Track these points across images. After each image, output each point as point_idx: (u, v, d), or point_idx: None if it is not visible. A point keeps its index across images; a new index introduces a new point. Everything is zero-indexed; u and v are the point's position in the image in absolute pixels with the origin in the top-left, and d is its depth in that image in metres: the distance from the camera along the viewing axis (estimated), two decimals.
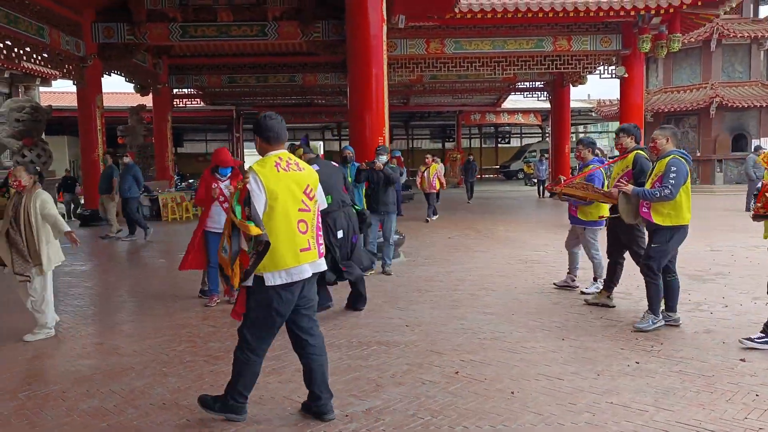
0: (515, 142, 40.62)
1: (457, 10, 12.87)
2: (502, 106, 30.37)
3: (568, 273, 6.69)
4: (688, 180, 4.86)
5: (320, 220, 3.46)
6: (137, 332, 5.28)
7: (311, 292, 3.40)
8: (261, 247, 3.08)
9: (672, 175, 4.72)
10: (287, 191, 3.19)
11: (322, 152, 43.63)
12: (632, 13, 13.60)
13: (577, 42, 15.04)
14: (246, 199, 3.11)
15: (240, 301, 3.36)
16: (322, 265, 3.39)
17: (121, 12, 14.13)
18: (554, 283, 6.75)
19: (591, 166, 6.36)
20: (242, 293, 3.33)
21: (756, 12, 22.41)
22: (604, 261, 6.10)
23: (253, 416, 3.45)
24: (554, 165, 20.90)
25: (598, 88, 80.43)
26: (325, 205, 3.64)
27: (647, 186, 4.96)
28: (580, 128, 38.83)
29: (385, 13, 8.99)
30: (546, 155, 23.82)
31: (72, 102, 17.73)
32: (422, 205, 13.70)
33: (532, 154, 31.84)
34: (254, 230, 3.05)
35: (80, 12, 13.62)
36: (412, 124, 37.96)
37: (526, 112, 31.39)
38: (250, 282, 3.23)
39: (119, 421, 3.45)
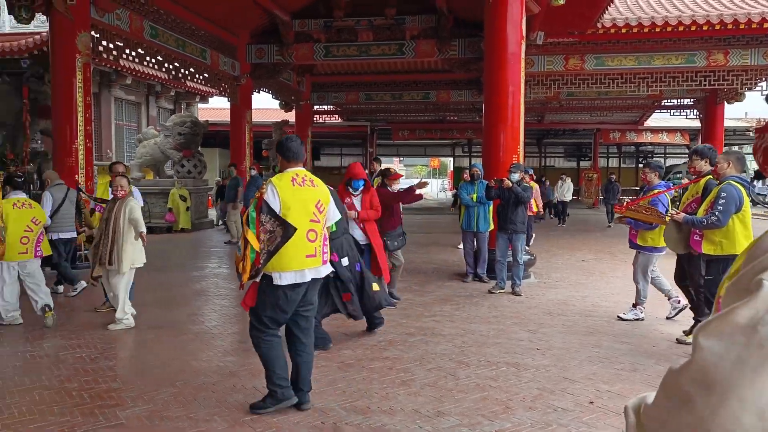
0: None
1: (599, 25, 12.41)
2: (645, 124, 28.64)
3: (669, 300, 6.26)
4: (745, 207, 4.64)
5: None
6: None
7: (313, 297, 3.81)
8: (272, 247, 3.48)
9: (721, 202, 4.57)
10: (300, 203, 3.57)
11: (451, 169, 43.80)
12: None
13: (735, 56, 13.83)
14: (262, 207, 3.53)
15: (250, 294, 3.72)
16: (323, 271, 3.76)
17: (271, 34, 15.23)
18: (668, 317, 6.25)
19: (656, 190, 5.97)
20: (253, 287, 3.71)
21: None
22: (649, 290, 6.17)
23: (383, 425, 3.55)
24: None
25: (758, 106, 73.22)
26: (337, 218, 3.96)
27: (700, 213, 4.76)
28: (734, 149, 35.58)
29: (524, 30, 8.89)
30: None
31: (223, 117, 19.35)
32: (550, 226, 13.22)
33: (677, 175, 29.66)
34: (251, 238, 3.49)
35: (237, 35, 14.87)
36: (546, 141, 36.90)
37: (671, 131, 29.35)
38: (259, 278, 3.61)
39: (261, 417, 3.69)
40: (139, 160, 16.32)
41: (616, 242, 13.31)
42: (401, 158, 45.36)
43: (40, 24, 13.89)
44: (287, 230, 3.49)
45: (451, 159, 42.34)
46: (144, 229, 5.86)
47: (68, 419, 3.62)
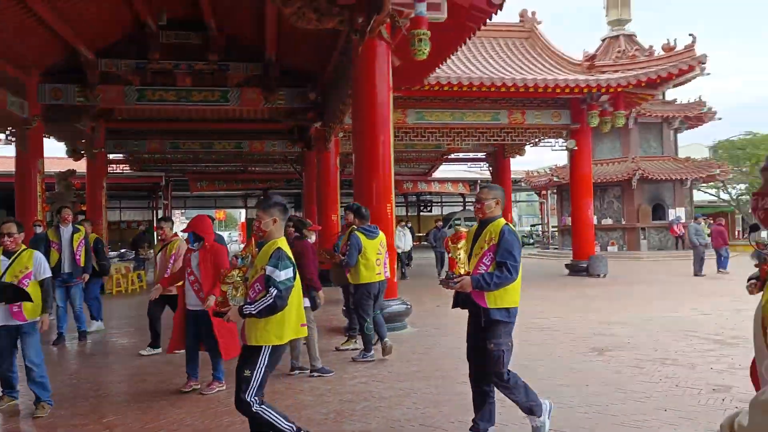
0: (436, 211, 41.65)
1: (426, 82, 13.19)
2: (433, 176, 31.17)
3: None
4: None
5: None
6: None
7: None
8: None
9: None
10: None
11: (242, 220, 42.53)
12: (585, 90, 14.57)
13: (531, 116, 15.81)
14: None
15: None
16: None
17: (72, 73, 13.31)
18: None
19: None
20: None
21: (664, 95, 24.57)
22: None
23: None
24: None
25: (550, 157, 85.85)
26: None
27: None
28: (518, 195, 41.25)
29: (390, 81, 8.99)
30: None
31: None
32: None
33: (457, 222, 32.71)
34: None
35: (28, 71, 12.68)
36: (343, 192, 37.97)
37: (455, 181, 32.41)
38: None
39: None
40: None
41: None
42: (184, 210, 42.68)
43: None
44: None
45: (243, 210, 41.27)
46: None
47: None
